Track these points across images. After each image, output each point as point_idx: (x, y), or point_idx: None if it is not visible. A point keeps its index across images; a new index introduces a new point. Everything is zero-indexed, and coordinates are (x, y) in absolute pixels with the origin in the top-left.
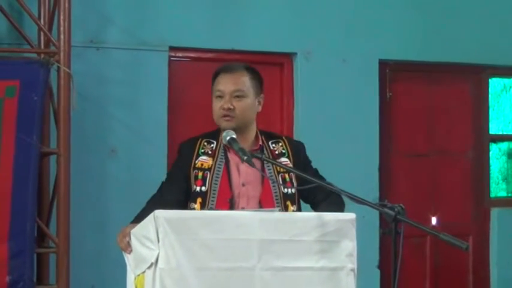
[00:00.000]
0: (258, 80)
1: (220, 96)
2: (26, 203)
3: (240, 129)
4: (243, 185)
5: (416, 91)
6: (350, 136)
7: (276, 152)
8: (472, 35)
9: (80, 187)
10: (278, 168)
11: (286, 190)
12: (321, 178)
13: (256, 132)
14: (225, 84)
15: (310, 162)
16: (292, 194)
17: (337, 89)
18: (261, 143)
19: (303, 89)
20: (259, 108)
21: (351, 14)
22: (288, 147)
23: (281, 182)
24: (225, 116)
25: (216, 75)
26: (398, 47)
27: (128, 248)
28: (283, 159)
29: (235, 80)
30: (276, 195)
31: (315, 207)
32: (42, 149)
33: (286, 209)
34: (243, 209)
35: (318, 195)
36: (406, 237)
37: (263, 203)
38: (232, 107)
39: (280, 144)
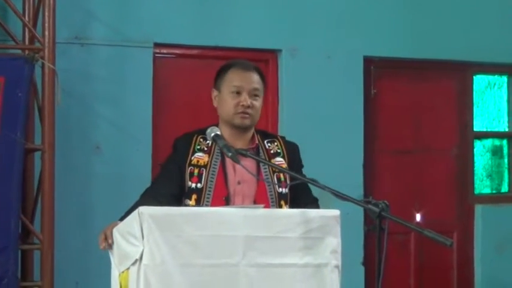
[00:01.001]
0: (264, 81)
1: (237, 92)
2: (10, 200)
3: (247, 128)
4: (239, 183)
5: (401, 88)
6: (334, 133)
7: (272, 152)
8: (456, 32)
9: (64, 183)
10: (273, 167)
11: (281, 190)
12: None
13: (253, 132)
14: (244, 80)
15: (302, 166)
16: (287, 194)
17: (322, 85)
18: (257, 142)
19: (288, 85)
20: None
21: (336, 11)
22: (283, 147)
23: (276, 182)
24: (243, 112)
25: (227, 69)
26: (383, 44)
27: (107, 247)
28: (278, 159)
29: (252, 79)
30: (271, 195)
31: None
32: (26, 146)
33: (280, 208)
34: None
35: (302, 201)
36: (391, 234)
37: (258, 202)
38: (251, 104)
39: (276, 143)
